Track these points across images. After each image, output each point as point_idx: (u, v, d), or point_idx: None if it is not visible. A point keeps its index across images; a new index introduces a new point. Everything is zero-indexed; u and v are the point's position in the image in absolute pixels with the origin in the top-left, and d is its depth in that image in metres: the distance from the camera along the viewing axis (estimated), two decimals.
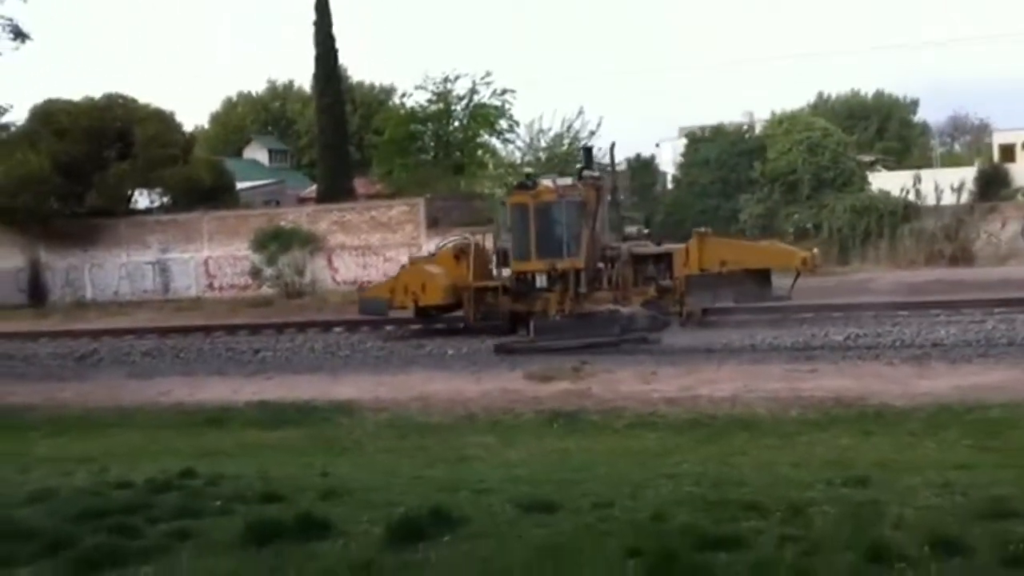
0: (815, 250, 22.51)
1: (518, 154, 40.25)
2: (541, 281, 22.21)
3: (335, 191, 38.68)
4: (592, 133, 38.83)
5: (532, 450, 10.73)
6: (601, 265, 22.28)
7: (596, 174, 23.23)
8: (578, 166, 25.02)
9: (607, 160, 26.13)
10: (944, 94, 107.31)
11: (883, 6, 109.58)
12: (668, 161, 41.37)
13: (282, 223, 35.69)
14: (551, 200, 22.22)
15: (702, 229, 22.71)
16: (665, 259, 22.02)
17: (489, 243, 24.41)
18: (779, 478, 8.08)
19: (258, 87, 75.86)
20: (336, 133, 39.80)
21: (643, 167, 37.31)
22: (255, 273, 34.48)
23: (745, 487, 7.65)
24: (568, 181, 22.97)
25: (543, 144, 38.47)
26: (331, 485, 8.09)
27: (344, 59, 42.45)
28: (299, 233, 34.70)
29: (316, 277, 34.16)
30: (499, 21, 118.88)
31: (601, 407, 13.42)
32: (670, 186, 37.69)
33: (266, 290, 34.26)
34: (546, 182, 23.03)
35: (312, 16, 38.92)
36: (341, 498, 7.57)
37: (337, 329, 24.33)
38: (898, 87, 58.18)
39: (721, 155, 34.76)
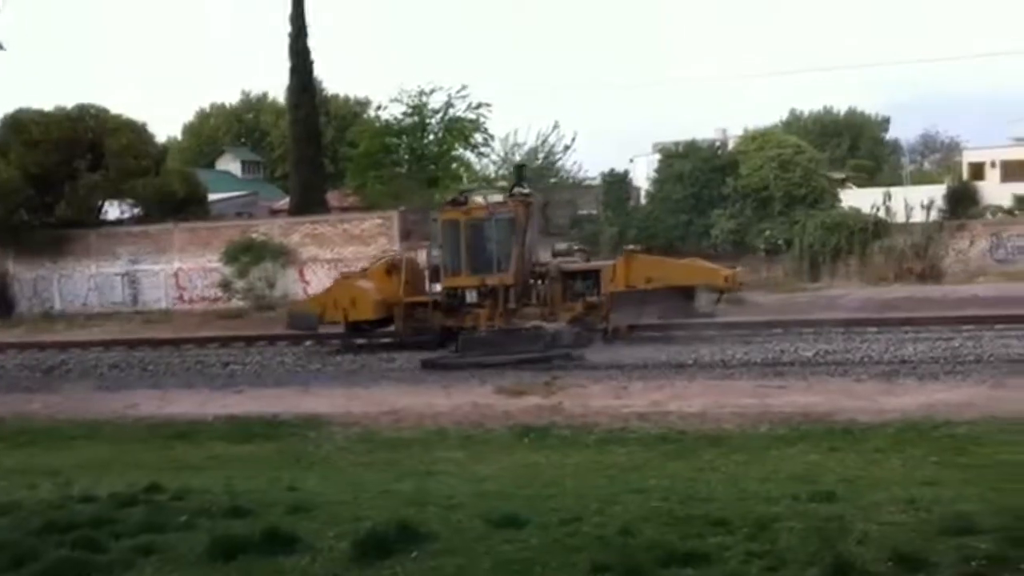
0: (738, 268, 22.87)
1: (493, 168, 40.38)
2: (471, 297, 22.47)
3: (308, 203, 38.55)
4: (567, 148, 38.99)
5: (502, 465, 10.71)
6: (531, 281, 22.49)
7: (527, 191, 23.56)
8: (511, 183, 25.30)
9: (580, 176, 26.38)
10: (915, 112, 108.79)
11: (856, 25, 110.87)
12: (642, 176, 41.57)
13: (254, 235, 35.53)
14: (482, 216, 22.50)
15: (631, 247, 23.18)
16: (593, 276, 22.26)
17: (423, 258, 24.59)
18: (746, 493, 8.11)
19: (232, 98, 75.70)
20: (310, 145, 39.68)
21: (617, 182, 37.48)
22: (226, 285, 34.29)
23: (713, 502, 7.68)
24: (499, 198, 23.27)
25: (517, 158, 38.58)
26: (299, 500, 8.04)
27: (319, 71, 42.38)
28: (271, 245, 34.57)
29: (288, 290, 34.02)
30: (476, 35, 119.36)
31: (572, 422, 13.42)
32: (643, 201, 37.88)
33: (237, 303, 34.08)
34: (477, 199, 23.33)
35: (287, 28, 38.87)
36: (309, 513, 7.53)
37: (307, 343, 24.25)
38: (870, 105, 58.99)
39: (694, 171, 34.96)
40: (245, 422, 14.29)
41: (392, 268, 23.49)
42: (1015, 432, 10.78)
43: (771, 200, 34.09)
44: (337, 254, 34.59)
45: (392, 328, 23.38)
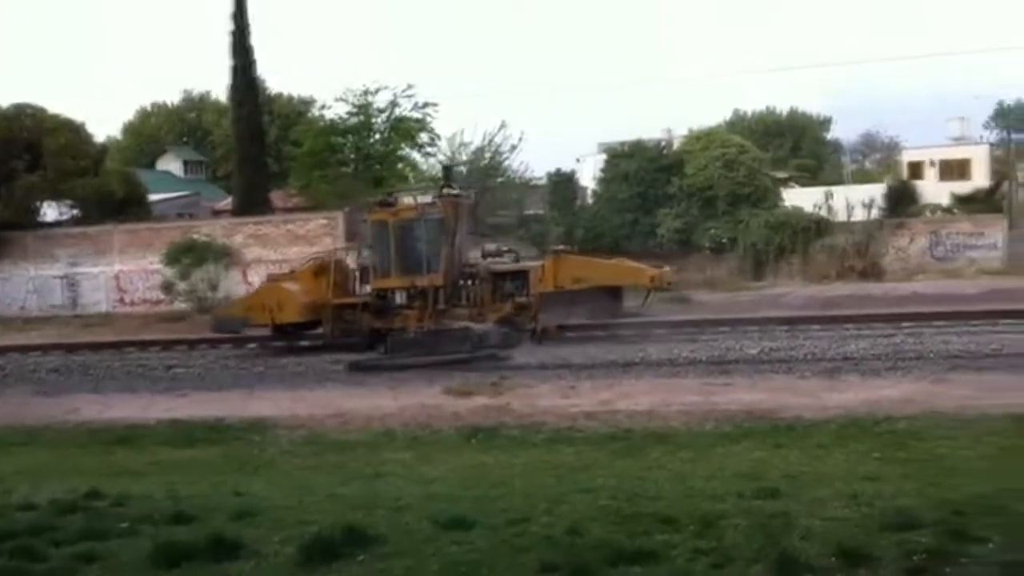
0: (666, 268, 23.15)
1: (439, 168, 40.18)
2: (401, 298, 22.38)
3: (252, 204, 38.11)
4: (513, 147, 39.01)
5: (450, 466, 10.67)
6: (460, 282, 22.51)
7: (457, 191, 23.58)
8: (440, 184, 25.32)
9: (527, 176, 26.45)
10: (857, 113, 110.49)
11: (799, 25, 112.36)
12: (589, 177, 41.74)
13: (196, 236, 35.03)
14: (411, 217, 22.45)
15: (560, 247, 23.38)
16: (522, 276, 22.32)
17: (353, 260, 24.49)
18: (693, 491, 8.17)
19: (173, 97, 74.60)
20: (253, 145, 39.20)
21: (563, 182, 37.60)
22: (168, 288, 33.76)
23: (660, 500, 7.72)
24: (428, 199, 23.26)
25: (464, 158, 38.51)
26: (244, 505, 7.95)
27: (262, 70, 41.86)
28: (213, 246, 34.10)
29: (231, 292, 33.59)
30: (424, 35, 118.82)
31: (520, 422, 13.40)
32: (590, 201, 38.07)
33: (179, 305, 33.58)
34: (407, 199, 23.29)
35: (229, 26, 38.39)
36: (254, 518, 7.44)
37: (251, 345, 23.98)
38: (812, 105, 59.77)
39: (639, 171, 35.18)
40: (188, 426, 14.08)
41: (320, 270, 23.31)
42: (954, 427, 10.97)
43: (716, 199, 34.42)
44: (282, 255, 34.20)
45: (320, 330, 23.12)
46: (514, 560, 6.09)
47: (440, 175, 38.90)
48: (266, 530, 6.99)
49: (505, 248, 24.52)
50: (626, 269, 22.63)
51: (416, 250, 22.36)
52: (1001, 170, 43.90)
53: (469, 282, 22.56)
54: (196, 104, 72.98)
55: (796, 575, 5.53)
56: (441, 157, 38.96)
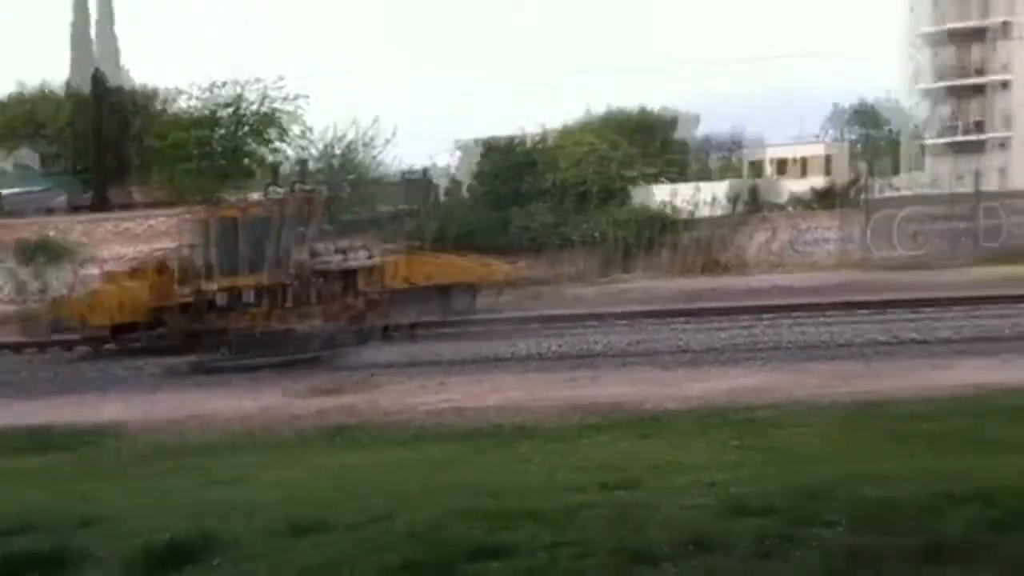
0: (520, 263, 23.46)
1: (312, 161, 39.52)
2: (247, 296, 21.71)
3: (110, 199, 36.78)
4: (387, 142, 38.68)
5: (312, 467, 10.45)
6: (310, 280, 22.09)
7: (309, 187, 23.31)
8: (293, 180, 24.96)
9: (399, 170, 26.24)
10: (723, 110, 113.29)
11: (671, 24, 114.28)
12: (456, 172, 41.73)
13: (51, 233, 33.58)
14: (259, 214, 21.95)
15: (414, 243, 23.36)
16: (374, 273, 22.16)
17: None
18: (557, 484, 8.19)
19: (28, 89, 71.17)
20: (112, 139, 37.88)
21: (419, 180, 37.53)
22: (19, 287, 32.25)
23: (525, 495, 7.71)
24: (279, 194, 22.87)
25: (337, 152, 37.97)
26: (92, 513, 7.60)
27: (125, 62, 40.54)
28: (67, 244, 32.74)
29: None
30: (297, 29, 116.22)
31: (386, 419, 13.27)
32: (443, 198, 38.16)
33: (32, 305, 32.08)
34: (253, 195, 22.86)
35: (70, 17, 36.98)
36: (102, 526, 7.12)
37: (108, 346, 23.08)
38: (680, 102, 61.42)
39: (504, 167, 35.32)
40: (38, 432, 13.45)
41: (162, 267, 22.45)
42: (810, 414, 11.33)
43: (585, 195, 34.84)
44: (141, 251, 33.03)
45: (162, 331, 22.29)
46: (375, 560, 5.97)
47: (312, 169, 38.44)
48: (115, 538, 6.69)
49: (358, 244, 24.14)
50: (479, 265, 22.64)
51: (263, 248, 21.69)
52: (835, 169, 45.80)
53: (319, 279, 22.11)
54: (52, 97, 69.81)
55: (654, 564, 5.58)
56: (313, 151, 38.39)
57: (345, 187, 36.63)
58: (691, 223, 34.54)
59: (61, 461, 11.56)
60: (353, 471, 9.93)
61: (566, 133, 40.29)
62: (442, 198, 38.26)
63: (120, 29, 37.72)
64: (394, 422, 12.93)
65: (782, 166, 48.63)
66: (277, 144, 39.52)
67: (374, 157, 38.99)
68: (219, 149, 38.73)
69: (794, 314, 21.52)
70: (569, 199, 34.73)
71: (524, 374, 16.37)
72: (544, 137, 39.45)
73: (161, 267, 22.51)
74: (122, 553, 6.29)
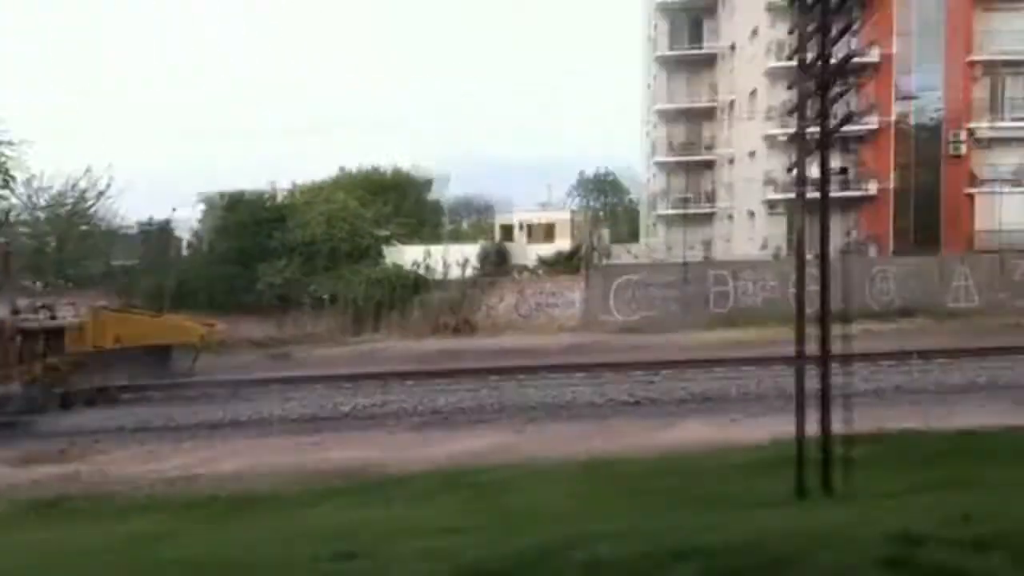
0: (218, 325, 22.94)
1: (15, 211, 36.61)
2: None
3: None
4: (101, 194, 36.45)
5: (5, 545, 9.28)
6: (10, 338, 20.57)
7: (3, 240, 21.79)
8: None
9: (117, 223, 24.58)
10: (459, 174, 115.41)
11: (407, 85, 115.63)
12: (188, 227, 39.88)
13: None
14: None
15: (100, 304, 22.40)
16: (57, 335, 20.95)
17: None
18: (269, 558, 7.55)
19: None
20: None
21: (158, 233, 35.61)
22: None
23: (255, 569, 7.05)
24: None
25: (42, 202, 35.37)
26: None
27: None
28: None
29: None
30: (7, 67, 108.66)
31: (91, 491, 12.16)
32: (184, 252, 36.39)
33: None
34: None
35: None
36: None
37: None
38: (416, 165, 62.12)
39: (243, 223, 34.12)
40: None
41: None
42: (533, 476, 11.23)
43: (319, 254, 34.18)
44: None
45: None
46: None
47: (15, 219, 35.52)
48: None
49: (39, 304, 22.53)
50: (175, 326, 21.96)
51: None
52: (580, 234, 47.58)
53: (20, 338, 20.46)
54: None
55: None
56: (14, 200, 35.55)
57: (72, 239, 34.21)
58: (443, 283, 34.53)
59: None
60: (54, 548, 8.85)
61: (316, 190, 39.51)
62: (183, 252, 36.35)
63: None
64: (119, 491, 11.81)
65: (531, 230, 49.93)
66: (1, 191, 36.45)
67: (86, 209, 36.73)
68: None
69: (519, 376, 21.69)
70: (319, 257, 33.91)
71: (244, 440, 15.52)
72: (293, 192, 38.50)
73: None
74: None
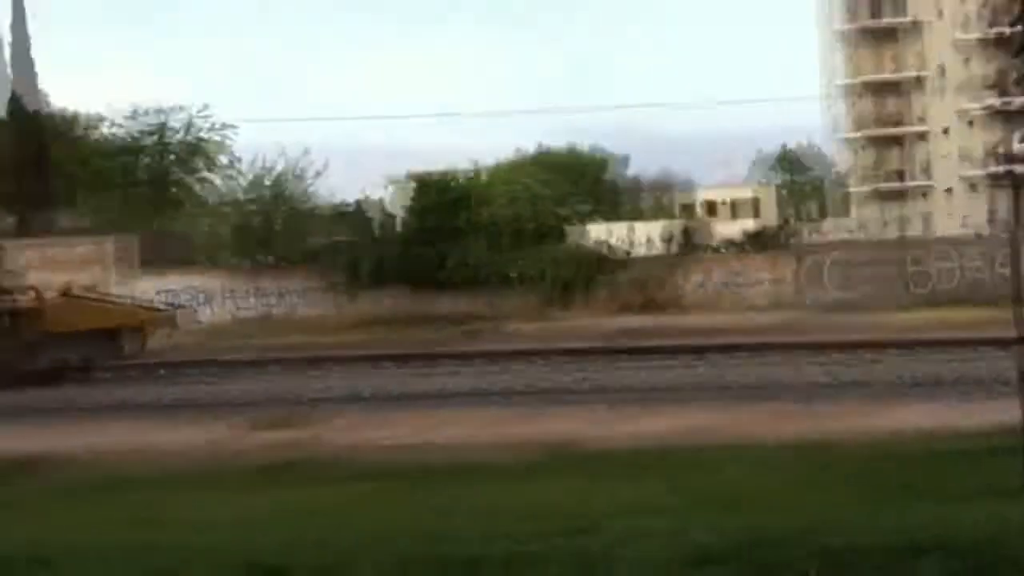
0: (177, 311, 24.18)
1: (241, 191, 38.85)
2: None
3: (34, 226, 35.63)
4: (318, 174, 38.25)
5: (251, 506, 9.99)
6: None
7: None
8: None
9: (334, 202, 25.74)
10: (648, 152, 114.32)
11: (606, 65, 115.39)
12: (386, 205, 41.40)
13: None
14: None
15: (68, 287, 22.99)
16: (23, 315, 21.76)
17: None
18: (496, 530, 7.80)
19: None
20: (31, 165, 36.75)
21: (354, 212, 37.10)
22: None
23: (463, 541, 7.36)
24: None
25: (267, 182, 37.39)
26: None
27: (43, 86, 39.48)
28: None
29: None
30: (227, 56, 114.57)
31: (331, 456, 12.84)
32: (398, 230, 37.74)
33: None
34: None
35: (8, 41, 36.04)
36: None
37: None
38: (612, 143, 62.18)
39: (438, 203, 35.08)
40: None
41: None
42: (741, 458, 11.15)
43: (520, 233, 34.72)
44: (44, 282, 31.84)
45: None
46: None
47: (243, 199, 37.73)
48: None
49: (25, 286, 23.67)
50: (125, 311, 22.73)
51: None
52: (766, 212, 46.54)
53: None
54: None
55: None
56: (242, 180, 37.76)
57: (294, 216, 36.12)
58: (627, 262, 34.59)
59: None
60: (291, 512, 9.46)
61: (497, 171, 40.23)
62: (376, 232, 37.80)
63: (37, 53, 36.43)
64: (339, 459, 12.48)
65: (712, 208, 49.18)
66: (205, 174, 38.86)
67: (305, 189, 38.55)
68: (144, 178, 37.93)
69: (738, 353, 21.47)
70: (504, 236, 34.57)
71: (481, 408, 16.13)
72: (477, 174, 39.34)
73: None
74: None
